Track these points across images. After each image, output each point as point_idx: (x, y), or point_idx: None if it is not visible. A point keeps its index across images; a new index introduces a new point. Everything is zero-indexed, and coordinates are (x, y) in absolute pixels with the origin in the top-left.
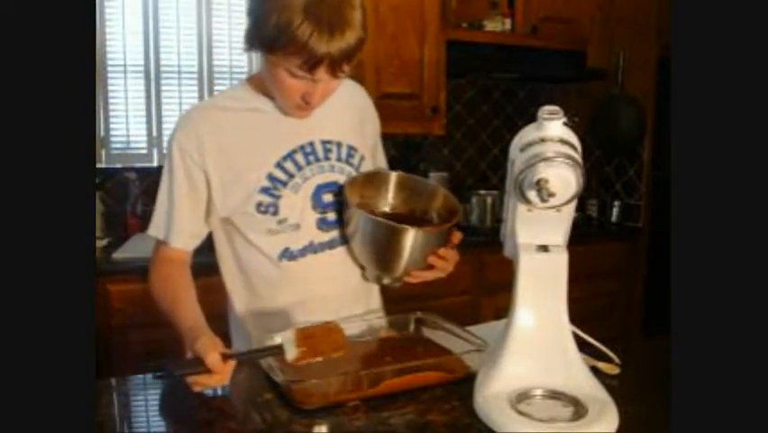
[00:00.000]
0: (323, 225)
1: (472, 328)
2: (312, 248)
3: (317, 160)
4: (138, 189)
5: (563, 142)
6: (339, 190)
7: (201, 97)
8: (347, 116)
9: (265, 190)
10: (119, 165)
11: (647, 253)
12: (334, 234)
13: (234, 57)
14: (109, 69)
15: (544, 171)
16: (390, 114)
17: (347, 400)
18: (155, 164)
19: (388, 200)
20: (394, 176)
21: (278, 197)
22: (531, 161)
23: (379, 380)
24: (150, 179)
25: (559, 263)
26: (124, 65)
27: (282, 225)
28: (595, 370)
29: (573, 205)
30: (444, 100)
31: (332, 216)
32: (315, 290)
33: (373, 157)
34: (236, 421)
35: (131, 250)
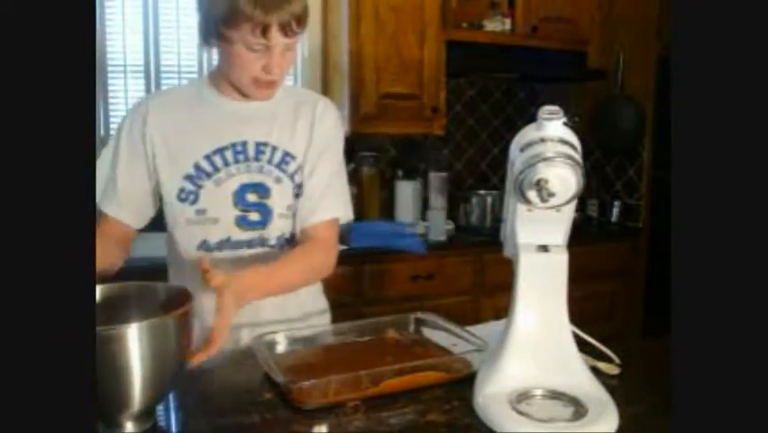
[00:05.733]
0: (242, 222)
1: (472, 328)
2: (229, 244)
3: (246, 159)
4: None
5: (563, 142)
6: (266, 192)
7: None
8: (295, 126)
9: (188, 178)
10: None
11: (647, 253)
12: (254, 234)
13: None
14: (109, 69)
15: (543, 171)
16: (390, 114)
17: (347, 400)
18: None
19: None
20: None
21: (199, 186)
22: (531, 161)
23: (379, 380)
24: None
25: (559, 263)
26: (124, 65)
27: (201, 215)
28: (595, 370)
29: (573, 205)
30: (444, 100)
31: (254, 216)
32: None
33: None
34: (237, 421)
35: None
